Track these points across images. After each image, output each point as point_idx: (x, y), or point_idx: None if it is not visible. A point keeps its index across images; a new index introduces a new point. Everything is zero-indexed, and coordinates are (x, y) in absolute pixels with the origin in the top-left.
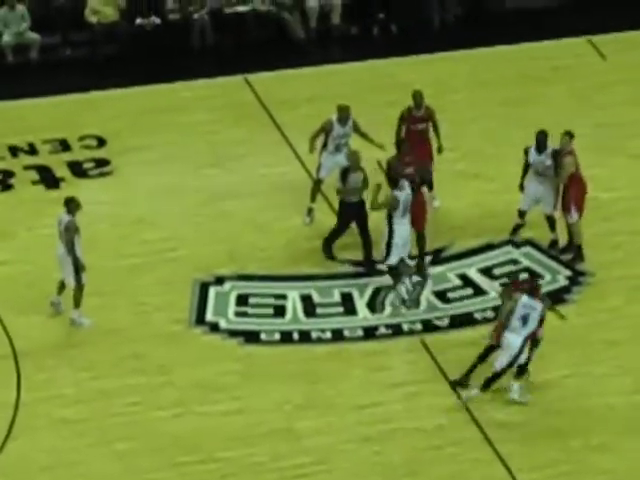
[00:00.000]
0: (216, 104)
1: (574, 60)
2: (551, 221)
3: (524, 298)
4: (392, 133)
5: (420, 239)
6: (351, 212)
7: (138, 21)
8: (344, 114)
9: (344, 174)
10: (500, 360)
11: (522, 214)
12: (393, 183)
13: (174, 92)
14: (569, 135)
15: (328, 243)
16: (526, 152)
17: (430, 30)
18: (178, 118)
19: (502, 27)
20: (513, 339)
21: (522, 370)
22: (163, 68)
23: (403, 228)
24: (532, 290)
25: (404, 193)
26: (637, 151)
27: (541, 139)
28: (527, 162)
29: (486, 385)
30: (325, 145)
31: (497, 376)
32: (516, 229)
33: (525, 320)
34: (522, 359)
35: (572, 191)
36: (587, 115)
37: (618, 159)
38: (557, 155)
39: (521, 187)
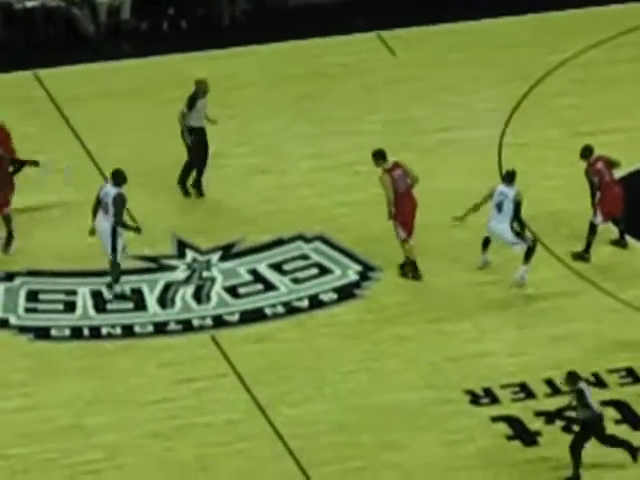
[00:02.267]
0: (6, 100)
1: (364, 56)
2: None
3: (499, 186)
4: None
5: None
6: (202, 136)
7: None
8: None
9: (192, 100)
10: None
11: None
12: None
13: None
14: (378, 155)
15: (183, 178)
16: None
17: (220, 26)
18: None
19: (290, 23)
20: (497, 227)
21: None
22: None
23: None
24: (507, 177)
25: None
26: (425, 146)
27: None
28: None
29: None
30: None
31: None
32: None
33: (500, 207)
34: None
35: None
36: (376, 111)
37: (407, 155)
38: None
39: None
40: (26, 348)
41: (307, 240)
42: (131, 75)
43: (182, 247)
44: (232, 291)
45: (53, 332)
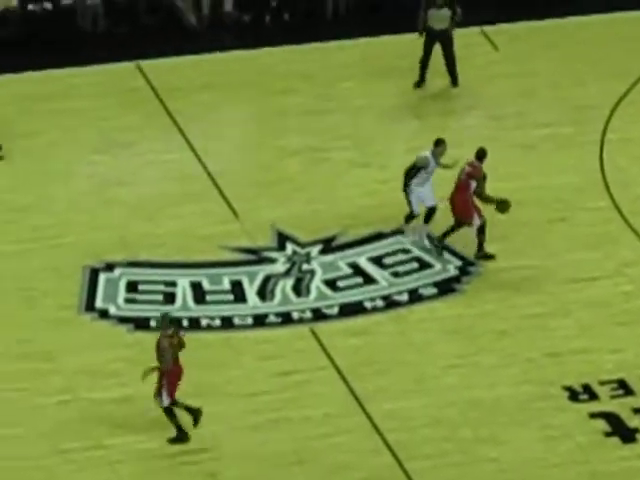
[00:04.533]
0: (107, 90)
1: (468, 50)
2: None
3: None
4: (284, 121)
5: None
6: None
7: (30, 7)
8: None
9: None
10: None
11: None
12: None
13: (65, 78)
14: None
15: None
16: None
17: (323, 19)
18: (69, 104)
19: (390, 17)
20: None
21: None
22: (55, 54)
23: None
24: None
25: None
26: (527, 142)
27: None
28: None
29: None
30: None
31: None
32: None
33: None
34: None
35: None
36: (479, 106)
37: (508, 150)
38: None
39: None
40: (125, 338)
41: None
42: (232, 67)
43: (282, 239)
44: (332, 284)
45: (152, 323)
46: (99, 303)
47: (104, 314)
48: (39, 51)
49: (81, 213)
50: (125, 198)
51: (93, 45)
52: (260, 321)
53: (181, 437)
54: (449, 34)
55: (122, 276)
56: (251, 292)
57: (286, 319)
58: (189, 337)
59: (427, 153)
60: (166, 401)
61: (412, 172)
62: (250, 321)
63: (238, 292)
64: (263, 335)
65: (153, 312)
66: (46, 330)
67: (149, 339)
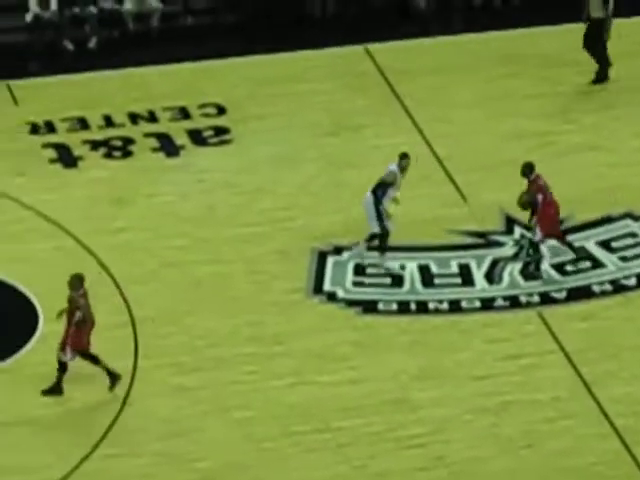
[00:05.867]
0: (336, 74)
1: None
2: None
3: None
4: (509, 105)
5: None
6: None
7: None
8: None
9: None
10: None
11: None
12: None
13: (295, 61)
14: None
15: None
16: None
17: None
18: (298, 87)
19: None
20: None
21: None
22: (284, 37)
23: None
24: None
25: None
26: None
27: None
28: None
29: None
30: None
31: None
32: None
33: None
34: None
35: None
36: None
37: None
38: None
39: None
40: (353, 322)
41: (636, 218)
42: (461, 51)
43: (510, 223)
44: (559, 268)
45: (380, 306)
46: (327, 286)
47: (332, 297)
48: (269, 35)
49: (310, 196)
50: (354, 181)
51: (322, 29)
52: (488, 304)
53: (57, 390)
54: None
55: (350, 259)
56: (479, 275)
57: (514, 303)
58: (417, 320)
59: (394, 167)
60: (70, 356)
61: (380, 189)
62: (478, 304)
63: (466, 275)
64: (491, 318)
65: (381, 295)
66: (275, 313)
67: (377, 322)
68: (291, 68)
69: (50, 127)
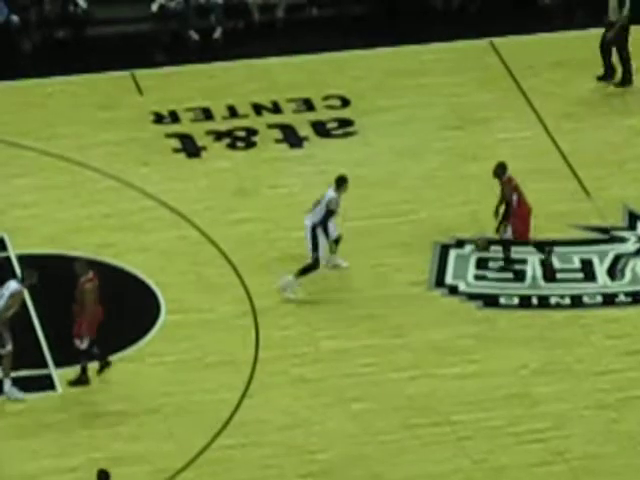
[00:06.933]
0: (461, 67)
1: None
2: None
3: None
4: (632, 100)
5: None
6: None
7: None
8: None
9: None
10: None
11: None
12: None
13: (420, 54)
14: None
15: None
16: None
17: None
18: (422, 80)
19: None
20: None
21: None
22: (408, 30)
23: None
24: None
25: None
26: None
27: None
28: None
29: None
30: None
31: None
32: None
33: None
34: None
35: None
36: None
37: None
38: None
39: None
40: (474, 315)
41: None
42: (586, 45)
43: (633, 219)
44: None
45: (502, 300)
46: (449, 279)
47: (454, 290)
48: (393, 27)
49: (433, 189)
50: (478, 174)
51: (446, 22)
52: (610, 300)
53: (84, 380)
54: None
55: (473, 253)
56: (601, 271)
57: (636, 299)
58: (539, 315)
59: (333, 194)
60: (86, 343)
61: (326, 217)
62: (599, 300)
63: (588, 271)
64: (612, 314)
65: (502, 290)
66: (396, 306)
67: (498, 316)
68: (416, 61)
69: (174, 117)
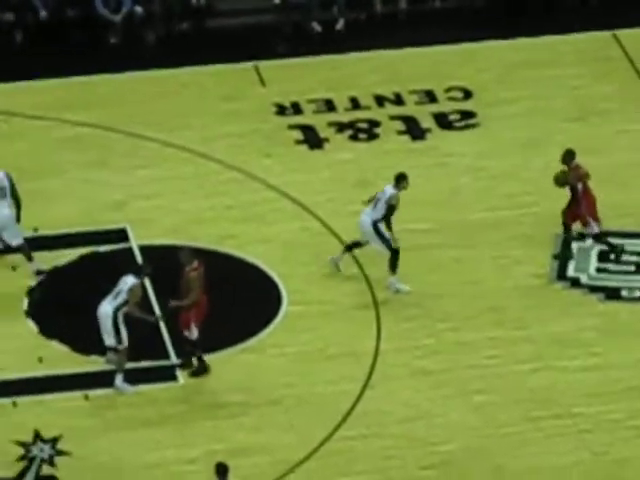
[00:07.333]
0: (583, 59)
1: None
2: None
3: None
4: None
5: None
6: None
7: None
8: None
9: None
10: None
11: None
12: None
13: (542, 46)
14: None
15: None
16: None
17: None
18: (546, 72)
19: None
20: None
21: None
22: (530, 22)
23: None
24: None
25: None
26: None
27: None
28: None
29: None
30: None
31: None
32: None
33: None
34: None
35: None
36: None
37: None
38: None
39: None
40: (596, 308)
41: None
42: None
43: None
44: None
45: (624, 293)
46: (571, 272)
47: (576, 283)
48: (515, 19)
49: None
50: (600, 166)
51: (567, 14)
52: None
53: (204, 368)
54: None
55: (594, 245)
56: None
57: None
58: None
59: (393, 190)
60: (196, 333)
61: (388, 213)
62: None
63: None
64: None
65: (625, 282)
66: (518, 298)
67: (620, 309)
68: (539, 53)
69: (297, 108)
